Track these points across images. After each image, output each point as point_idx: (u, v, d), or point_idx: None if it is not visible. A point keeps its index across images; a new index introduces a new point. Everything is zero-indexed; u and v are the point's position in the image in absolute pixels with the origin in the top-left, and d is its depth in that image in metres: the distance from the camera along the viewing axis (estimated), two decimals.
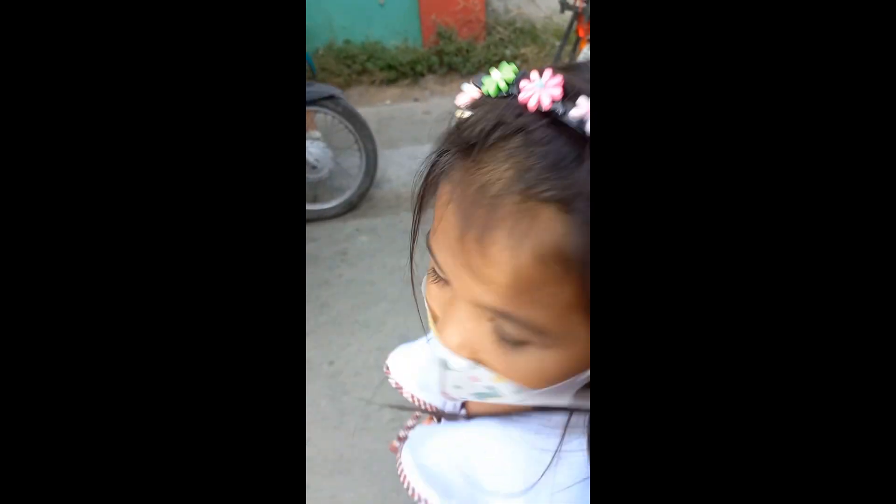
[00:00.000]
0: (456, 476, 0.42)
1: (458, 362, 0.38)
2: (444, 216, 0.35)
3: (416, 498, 0.42)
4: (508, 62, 0.37)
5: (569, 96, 0.32)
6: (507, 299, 0.34)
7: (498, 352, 0.37)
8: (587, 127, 0.31)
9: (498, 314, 0.35)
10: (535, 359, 0.36)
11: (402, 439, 0.48)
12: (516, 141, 0.33)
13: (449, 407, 0.52)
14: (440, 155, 0.36)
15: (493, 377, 0.38)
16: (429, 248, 0.38)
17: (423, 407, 0.52)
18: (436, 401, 0.52)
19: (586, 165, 0.31)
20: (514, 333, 0.35)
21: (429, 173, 0.38)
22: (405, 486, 0.42)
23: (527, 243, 0.32)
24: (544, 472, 0.39)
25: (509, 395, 0.39)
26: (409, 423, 0.55)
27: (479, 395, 0.41)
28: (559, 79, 0.33)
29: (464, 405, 0.51)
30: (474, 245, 0.33)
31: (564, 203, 0.31)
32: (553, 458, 0.39)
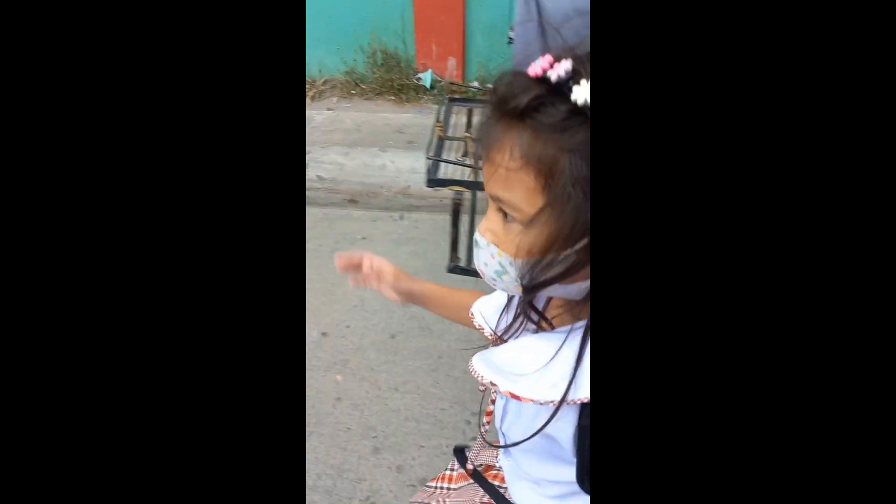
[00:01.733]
0: (505, 365, 0.60)
1: (483, 240, 0.58)
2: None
3: (482, 380, 0.60)
4: None
5: (551, 64, 0.49)
6: (500, 185, 0.53)
7: (504, 229, 0.55)
8: (551, 77, 0.49)
9: (497, 199, 0.54)
10: (520, 233, 0.54)
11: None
12: (501, 93, 0.52)
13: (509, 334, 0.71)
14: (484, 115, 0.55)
15: (499, 252, 0.56)
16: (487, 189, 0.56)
17: (490, 336, 0.76)
18: (499, 329, 0.73)
19: (531, 96, 0.49)
20: (507, 211, 0.54)
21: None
22: (476, 376, 0.61)
23: (505, 145, 0.51)
24: (551, 360, 0.58)
25: (508, 268, 0.56)
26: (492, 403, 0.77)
27: (497, 272, 0.58)
28: (549, 57, 0.51)
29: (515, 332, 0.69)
30: (486, 158, 0.53)
31: (532, 119, 0.49)
32: (556, 353, 0.58)
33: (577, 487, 0.63)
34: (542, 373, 0.57)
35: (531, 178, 0.50)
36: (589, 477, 0.60)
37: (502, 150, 0.51)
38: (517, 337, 0.68)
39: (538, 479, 0.71)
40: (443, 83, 3.65)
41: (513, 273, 0.56)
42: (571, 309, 0.62)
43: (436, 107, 3.41)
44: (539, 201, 0.51)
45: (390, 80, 3.68)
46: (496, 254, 0.56)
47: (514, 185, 0.51)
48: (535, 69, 0.50)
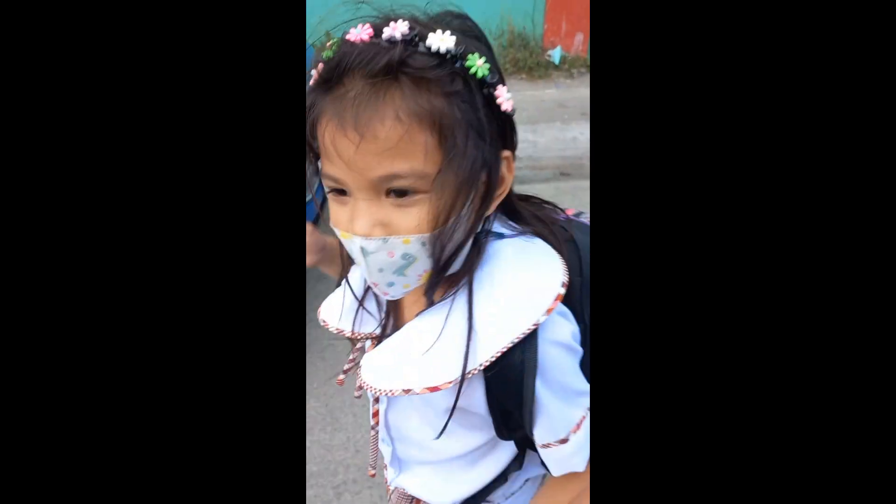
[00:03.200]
0: (401, 356, 0.54)
1: (373, 243, 0.49)
2: (327, 140, 0.47)
3: (376, 393, 0.55)
4: None
5: (377, 32, 0.47)
6: (391, 161, 0.46)
7: (400, 213, 0.48)
8: (395, 36, 0.46)
9: (389, 179, 0.47)
10: (425, 204, 0.48)
11: (348, 370, 0.60)
12: (352, 58, 0.46)
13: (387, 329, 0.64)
14: (311, 106, 0.49)
15: (402, 241, 0.49)
16: (323, 176, 0.50)
17: (360, 337, 0.64)
18: (371, 327, 0.64)
19: (400, 48, 0.45)
20: (405, 185, 0.47)
21: (309, 118, 0.50)
22: (367, 391, 0.56)
23: (387, 112, 0.45)
24: (441, 332, 0.52)
25: (420, 252, 0.50)
26: (351, 357, 0.68)
27: (398, 270, 0.51)
28: (367, 24, 0.48)
29: (395, 324, 0.63)
30: (353, 134, 0.45)
31: (394, 76, 0.45)
32: (445, 320, 0.53)
33: (492, 442, 0.62)
34: (435, 352, 0.52)
35: (426, 134, 0.46)
36: (504, 425, 0.58)
37: (383, 119, 0.45)
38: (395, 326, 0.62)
39: (448, 459, 0.66)
40: (571, 58, 3.73)
41: (424, 255, 0.50)
42: (448, 278, 0.54)
43: (568, 81, 3.48)
44: (438, 157, 0.46)
45: (521, 59, 3.70)
46: (399, 244, 0.49)
47: (410, 150, 0.46)
48: (358, 36, 0.47)
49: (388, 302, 0.62)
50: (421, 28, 0.47)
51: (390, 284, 0.52)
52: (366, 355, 0.58)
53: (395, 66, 0.45)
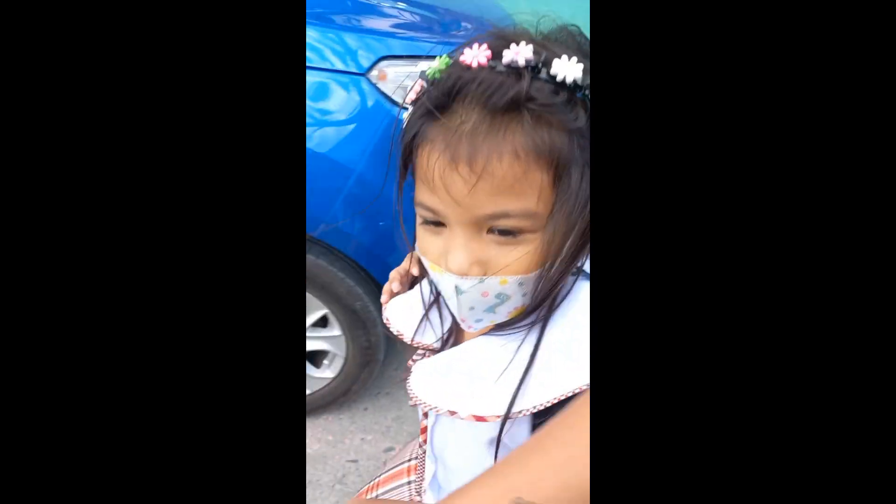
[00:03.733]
0: (455, 376, 0.51)
1: (469, 282, 0.46)
2: (434, 172, 0.44)
3: (423, 407, 0.51)
4: None
5: (496, 54, 0.44)
6: (503, 199, 0.43)
7: (501, 252, 0.45)
8: (518, 62, 0.42)
9: (497, 217, 0.44)
10: (529, 244, 0.45)
11: (407, 375, 0.56)
12: (471, 87, 0.43)
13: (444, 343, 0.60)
14: (412, 130, 0.47)
15: (499, 282, 0.46)
16: (418, 204, 0.48)
17: (421, 347, 0.61)
18: (431, 340, 0.60)
19: (523, 81, 0.42)
20: (512, 225, 0.44)
21: (408, 140, 0.47)
22: (414, 402, 0.52)
23: (505, 149, 0.42)
24: (509, 364, 0.48)
25: (515, 292, 0.47)
26: (411, 361, 0.63)
27: (490, 308, 0.48)
28: (485, 45, 0.44)
29: (455, 339, 0.60)
30: (467, 170, 0.42)
31: (517, 110, 0.42)
32: (514, 354, 0.49)
33: None
34: (491, 381, 0.48)
35: (543, 172, 0.43)
36: None
37: (501, 156, 0.41)
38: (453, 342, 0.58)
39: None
40: None
41: (519, 294, 0.48)
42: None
43: None
44: (551, 196, 0.44)
45: None
46: (495, 285, 0.46)
47: (524, 189, 0.43)
48: (475, 59, 0.43)
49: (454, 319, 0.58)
50: (546, 52, 0.43)
51: (478, 321, 0.50)
52: (419, 364, 0.55)
53: (523, 100, 0.42)
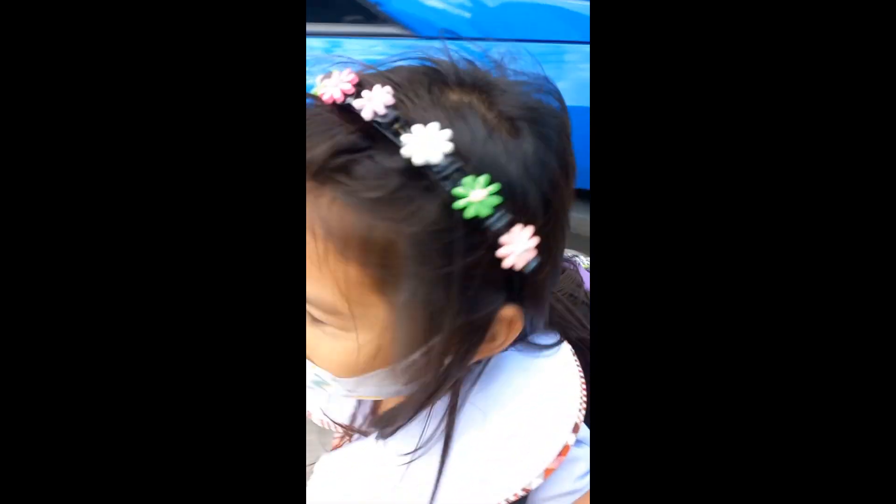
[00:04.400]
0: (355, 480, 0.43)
1: None
2: None
3: None
4: None
5: (358, 90, 0.32)
6: (307, 279, 0.33)
7: (311, 336, 0.37)
8: (364, 112, 0.31)
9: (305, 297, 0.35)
10: (336, 342, 0.36)
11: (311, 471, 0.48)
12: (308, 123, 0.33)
13: (359, 422, 0.50)
14: None
15: (312, 365, 0.38)
16: None
17: (331, 427, 0.51)
18: (343, 418, 0.50)
19: (334, 141, 0.31)
20: (314, 314, 0.35)
21: None
22: None
23: (311, 221, 0.32)
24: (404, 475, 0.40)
25: (331, 382, 0.39)
26: (334, 443, 0.55)
27: (315, 383, 0.40)
28: (350, 73, 0.33)
29: (374, 413, 0.50)
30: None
31: (340, 184, 0.31)
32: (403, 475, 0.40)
33: None
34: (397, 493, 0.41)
35: (350, 269, 0.33)
36: None
37: (307, 227, 0.33)
38: (372, 422, 0.48)
39: None
40: None
41: (340, 390, 0.40)
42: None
43: None
44: (367, 298, 0.34)
45: None
46: (313, 365, 0.39)
47: (323, 276, 0.33)
48: (331, 91, 0.33)
49: None
50: (409, 109, 0.33)
51: (309, 383, 0.42)
52: (322, 459, 0.46)
53: (319, 172, 0.32)
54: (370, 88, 0.32)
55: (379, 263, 0.32)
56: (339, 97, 0.32)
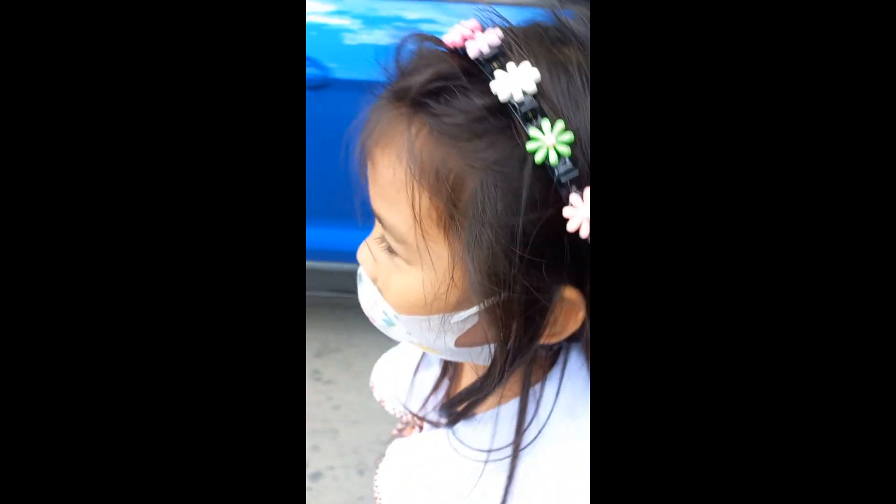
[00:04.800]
0: (417, 490, 0.44)
1: (361, 270, 0.41)
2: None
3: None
4: None
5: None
6: (380, 200, 0.36)
7: (387, 269, 0.38)
8: (472, 51, 0.34)
9: (378, 218, 0.37)
10: (403, 276, 0.37)
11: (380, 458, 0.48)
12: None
13: (430, 414, 0.49)
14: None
15: (381, 298, 0.39)
16: None
17: (404, 419, 0.52)
18: (416, 407, 0.51)
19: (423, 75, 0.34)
20: (388, 241, 0.37)
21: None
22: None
23: (393, 148, 0.34)
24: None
25: (400, 326, 0.40)
26: (394, 431, 0.56)
27: (385, 322, 0.41)
28: (474, 21, 0.36)
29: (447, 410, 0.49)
30: (366, 160, 0.37)
31: (430, 109, 0.33)
32: (483, 468, 0.40)
33: None
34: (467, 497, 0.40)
35: (423, 198, 0.34)
36: None
37: (386, 150, 0.35)
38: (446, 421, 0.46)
39: None
40: None
41: (404, 332, 0.41)
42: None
43: None
44: (434, 233, 0.35)
45: None
46: (378, 299, 0.40)
47: (398, 201, 0.35)
48: (452, 36, 0.35)
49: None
50: (512, 50, 0.34)
51: (381, 327, 0.43)
52: (387, 456, 0.47)
53: (413, 99, 0.34)
54: (485, 31, 0.34)
55: (448, 198, 0.33)
56: (458, 42, 0.35)
